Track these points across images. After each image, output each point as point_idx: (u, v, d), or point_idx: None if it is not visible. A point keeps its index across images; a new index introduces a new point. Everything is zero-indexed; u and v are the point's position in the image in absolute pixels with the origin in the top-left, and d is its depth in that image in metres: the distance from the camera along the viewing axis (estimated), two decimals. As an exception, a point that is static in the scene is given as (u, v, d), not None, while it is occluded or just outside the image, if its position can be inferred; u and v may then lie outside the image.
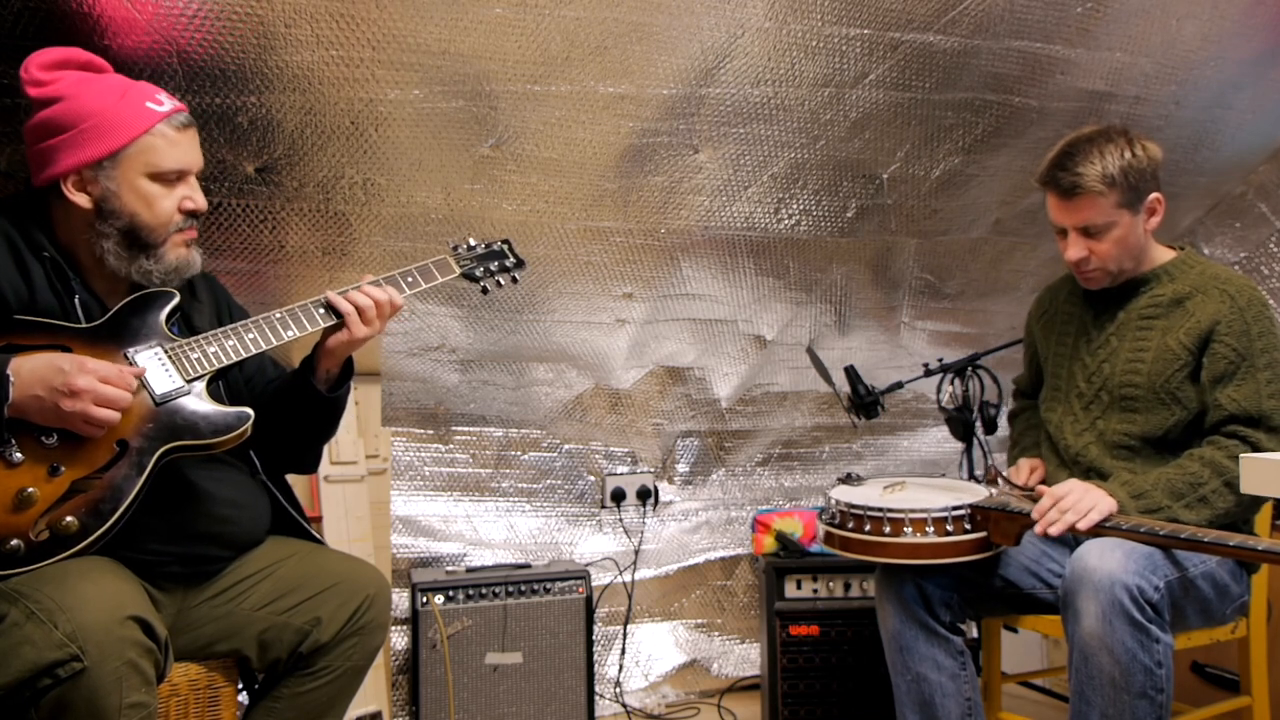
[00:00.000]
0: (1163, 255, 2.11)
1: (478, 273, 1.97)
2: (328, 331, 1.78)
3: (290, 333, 1.72)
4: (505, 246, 2.04)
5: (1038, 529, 1.87)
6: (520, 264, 2.04)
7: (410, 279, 1.86)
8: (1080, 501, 1.84)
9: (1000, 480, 2.20)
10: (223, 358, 1.66)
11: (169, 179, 1.66)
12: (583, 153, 2.36)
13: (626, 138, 2.36)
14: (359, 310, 1.76)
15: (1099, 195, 1.97)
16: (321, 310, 1.75)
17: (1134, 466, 2.02)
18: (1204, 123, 2.77)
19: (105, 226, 1.63)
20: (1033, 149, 2.63)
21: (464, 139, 2.25)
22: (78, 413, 1.47)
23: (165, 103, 1.66)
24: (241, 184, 2.17)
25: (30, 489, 1.48)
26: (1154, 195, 2.03)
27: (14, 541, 1.45)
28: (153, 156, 1.63)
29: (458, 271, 1.93)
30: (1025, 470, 2.24)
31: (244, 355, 1.68)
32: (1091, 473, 2.07)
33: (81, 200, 1.62)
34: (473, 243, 1.99)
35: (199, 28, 1.88)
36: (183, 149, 1.67)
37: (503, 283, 2.00)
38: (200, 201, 1.70)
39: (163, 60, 1.91)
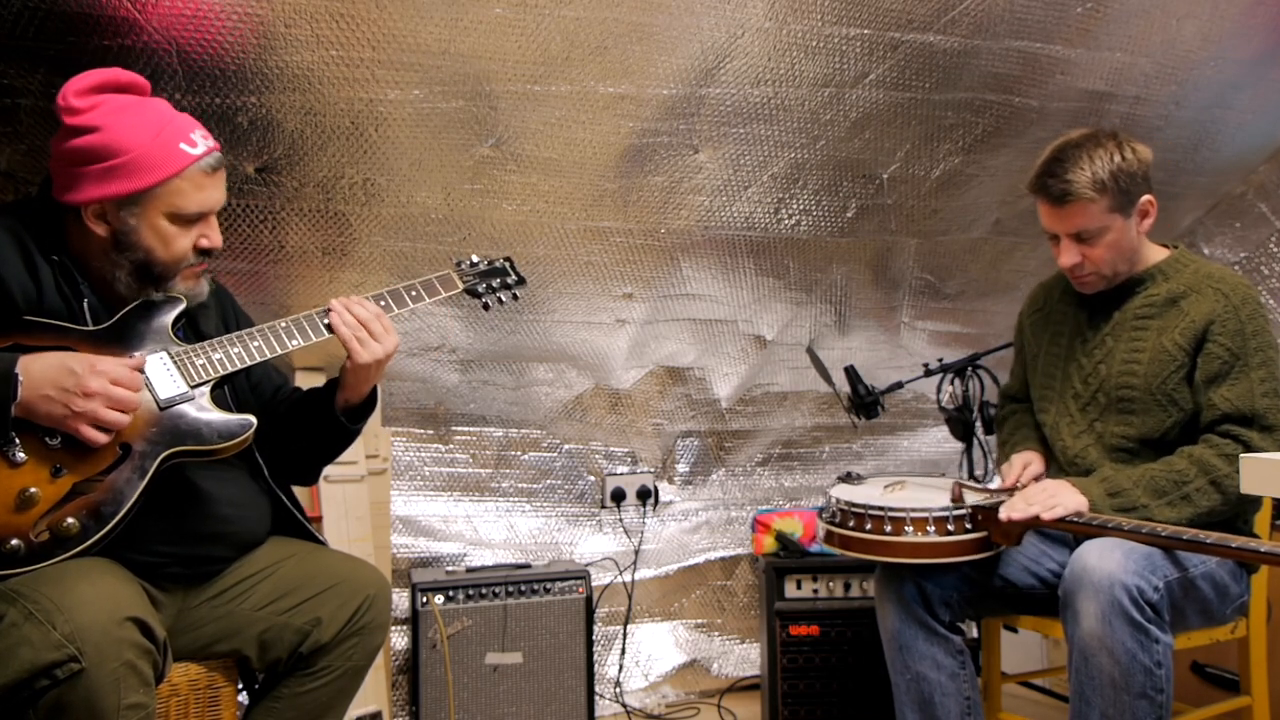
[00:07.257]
0: (1156, 255, 2.10)
1: (480, 289, 2.00)
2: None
3: (295, 341, 1.74)
4: (507, 264, 2.06)
5: (1001, 512, 1.91)
6: (521, 281, 2.06)
7: (414, 293, 1.88)
8: (1051, 498, 1.89)
9: (966, 493, 2.06)
10: (227, 365, 1.67)
11: (189, 220, 1.66)
12: (583, 153, 2.36)
13: (626, 138, 2.36)
14: (357, 332, 1.76)
15: (1090, 201, 1.95)
16: (326, 321, 1.77)
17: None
18: (1204, 123, 2.77)
19: (119, 257, 1.64)
20: (1033, 149, 2.62)
21: (464, 139, 2.25)
22: (88, 413, 1.48)
23: (199, 144, 1.64)
24: (241, 184, 2.17)
25: (32, 489, 1.48)
26: (1146, 197, 2.01)
27: (14, 541, 1.45)
28: (178, 199, 1.63)
29: (461, 287, 1.96)
30: (1018, 466, 2.17)
31: (248, 363, 1.69)
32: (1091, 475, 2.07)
33: (99, 230, 1.62)
34: (475, 259, 2.02)
35: (199, 28, 1.89)
36: (208, 192, 1.67)
37: (504, 300, 2.03)
38: (215, 240, 1.71)
39: (163, 60, 1.91)
